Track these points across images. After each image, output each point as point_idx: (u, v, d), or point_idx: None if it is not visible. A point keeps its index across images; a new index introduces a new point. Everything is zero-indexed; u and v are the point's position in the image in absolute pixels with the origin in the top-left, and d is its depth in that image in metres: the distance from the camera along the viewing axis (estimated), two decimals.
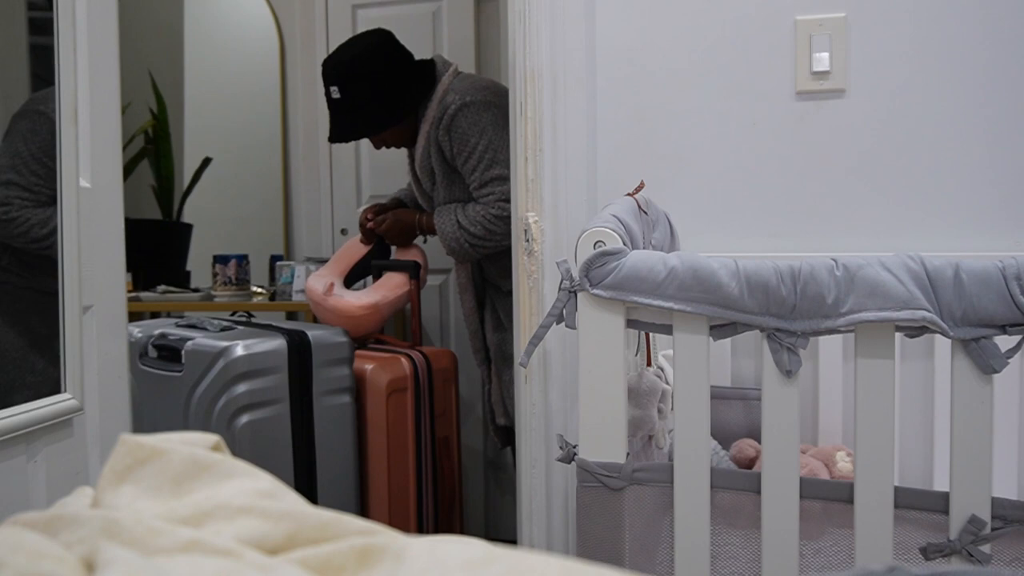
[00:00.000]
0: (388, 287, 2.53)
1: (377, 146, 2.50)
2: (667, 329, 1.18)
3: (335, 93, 2.35)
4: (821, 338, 1.36)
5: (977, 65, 1.63)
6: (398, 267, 2.56)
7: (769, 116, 1.72)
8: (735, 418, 1.66)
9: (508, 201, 2.21)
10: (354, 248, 2.65)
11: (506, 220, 2.24)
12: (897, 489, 1.13)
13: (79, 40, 1.23)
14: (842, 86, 1.68)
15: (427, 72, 2.38)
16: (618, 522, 1.19)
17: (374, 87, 2.33)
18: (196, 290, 3.32)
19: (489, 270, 2.46)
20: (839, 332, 1.12)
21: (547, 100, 1.70)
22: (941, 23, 1.64)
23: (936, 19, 1.64)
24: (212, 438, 0.61)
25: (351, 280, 2.64)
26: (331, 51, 2.43)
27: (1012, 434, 1.54)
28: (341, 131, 2.40)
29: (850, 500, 1.14)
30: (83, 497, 0.61)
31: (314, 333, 2.21)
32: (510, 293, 2.34)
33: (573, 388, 1.68)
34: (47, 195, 1.20)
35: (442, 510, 2.50)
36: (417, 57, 2.46)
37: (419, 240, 2.64)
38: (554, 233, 1.71)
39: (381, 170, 3.25)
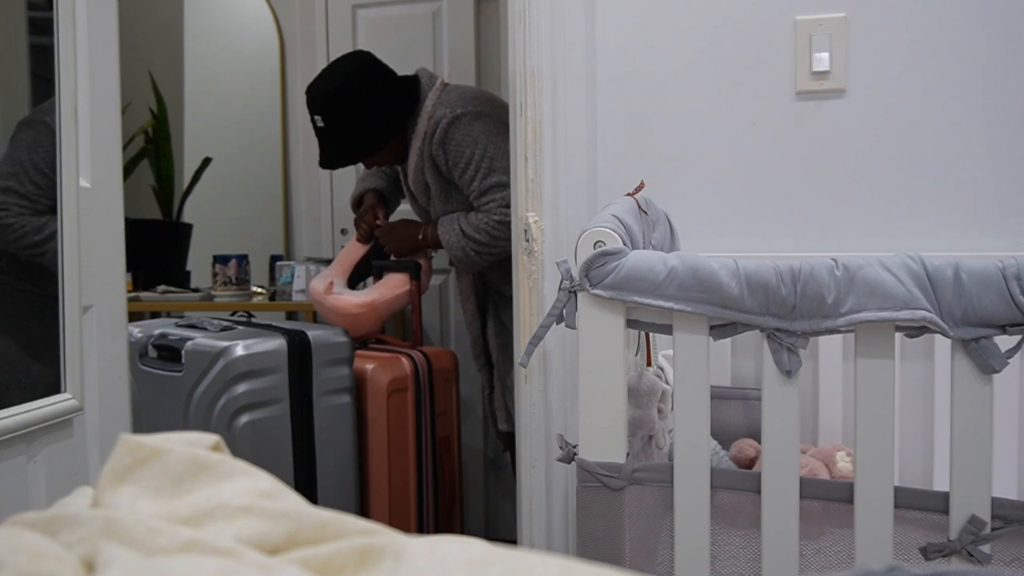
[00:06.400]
0: (387, 286, 2.53)
1: (369, 166, 2.49)
2: (667, 329, 1.18)
3: (320, 122, 2.34)
4: (821, 338, 1.36)
5: (977, 65, 1.63)
6: (399, 267, 2.56)
7: (769, 116, 1.72)
8: (735, 418, 1.66)
9: (509, 207, 2.21)
10: (354, 248, 2.65)
11: (508, 226, 2.23)
12: (897, 489, 1.12)
13: (79, 40, 1.23)
14: (842, 86, 1.68)
15: (411, 89, 2.36)
16: (618, 522, 1.19)
17: (359, 113, 2.32)
18: (196, 290, 3.32)
19: (490, 276, 2.45)
20: (839, 332, 1.12)
21: (547, 100, 1.70)
22: (941, 23, 1.64)
23: (936, 19, 1.64)
24: (212, 438, 0.60)
25: (355, 280, 2.64)
26: (318, 73, 2.40)
27: (1012, 434, 1.54)
28: (331, 158, 2.39)
29: (850, 500, 1.14)
30: (83, 497, 0.61)
31: (314, 333, 2.21)
32: (512, 298, 2.34)
33: (573, 388, 1.67)
34: (45, 204, 1.20)
35: (442, 510, 2.50)
36: (407, 65, 2.44)
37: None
38: (554, 233, 1.70)
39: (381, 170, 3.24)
